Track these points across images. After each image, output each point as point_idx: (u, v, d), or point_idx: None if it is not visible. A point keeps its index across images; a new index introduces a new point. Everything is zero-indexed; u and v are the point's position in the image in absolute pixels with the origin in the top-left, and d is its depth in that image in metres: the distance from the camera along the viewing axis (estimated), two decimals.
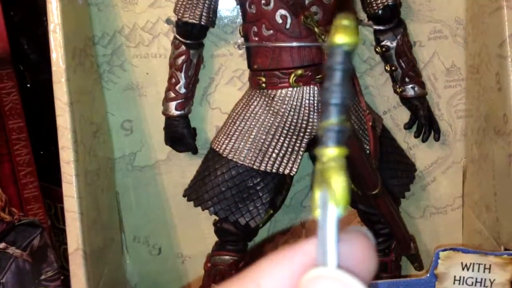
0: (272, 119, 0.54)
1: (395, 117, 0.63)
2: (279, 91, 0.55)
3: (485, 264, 0.50)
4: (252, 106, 0.56)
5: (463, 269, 0.51)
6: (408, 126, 0.62)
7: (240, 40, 0.59)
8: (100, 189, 0.60)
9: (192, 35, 0.58)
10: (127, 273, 0.66)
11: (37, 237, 0.73)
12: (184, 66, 0.59)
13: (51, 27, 0.52)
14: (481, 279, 0.50)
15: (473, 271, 0.50)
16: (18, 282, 0.70)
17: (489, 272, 0.50)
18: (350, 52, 0.17)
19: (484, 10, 0.56)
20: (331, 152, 0.17)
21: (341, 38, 0.17)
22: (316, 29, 0.53)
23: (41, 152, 0.76)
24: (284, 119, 0.54)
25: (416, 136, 0.62)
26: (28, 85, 0.78)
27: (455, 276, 0.51)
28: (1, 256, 0.70)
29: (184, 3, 0.56)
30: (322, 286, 0.17)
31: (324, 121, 0.17)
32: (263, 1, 0.53)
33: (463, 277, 0.50)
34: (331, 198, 0.17)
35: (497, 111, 0.54)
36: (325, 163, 0.17)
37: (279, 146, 0.54)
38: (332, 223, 0.17)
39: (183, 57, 0.58)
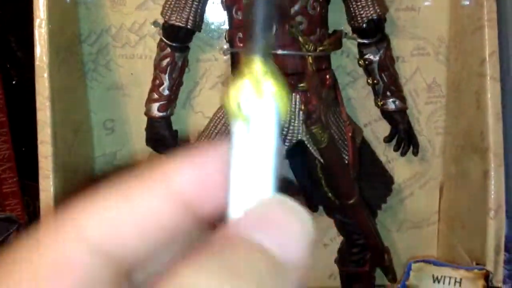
0: None
1: (376, 130, 0.64)
2: None
3: (456, 278, 0.51)
4: None
5: (434, 281, 0.51)
6: (388, 140, 0.63)
7: (225, 45, 0.59)
8: (79, 187, 0.60)
9: (178, 38, 0.58)
10: None
11: (14, 232, 0.72)
12: (168, 68, 0.59)
13: (36, 22, 0.53)
14: None
15: (444, 284, 0.51)
16: None
17: (460, 285, 0.50)
18: None
19: (465, 29, 0.58)
20: (261, 65, 0.16)
21: None
22: (300, 39, 0.54)
23: (23, 149, 0.76)
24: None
25: (395, 150, 0.63)
26: (14, 82, 0.78)
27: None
28: None
29: (172, 6, 0.57)
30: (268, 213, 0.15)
31: (254, 36, 0.16)
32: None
33: None
34: (275, 102, 0.16)
35: (475, 128, 0.55)
36: (258, 72, 0.16)
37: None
38: (270, 136, 0.16)
39: (168, 59, 0.59)
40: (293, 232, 0.15)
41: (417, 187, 0.66)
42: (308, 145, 0.54)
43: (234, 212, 0.16)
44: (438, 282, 0.51)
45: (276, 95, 0.16)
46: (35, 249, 0.15)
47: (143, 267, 0.16)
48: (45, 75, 0.52)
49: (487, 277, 0.50)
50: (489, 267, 0.51)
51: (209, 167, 0.16)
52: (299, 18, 0.54)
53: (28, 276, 0.14)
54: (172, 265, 0.14)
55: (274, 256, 0.14)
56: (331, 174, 0.55)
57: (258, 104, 0.16)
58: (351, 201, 0.56)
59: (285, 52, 0.55)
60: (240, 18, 0.55)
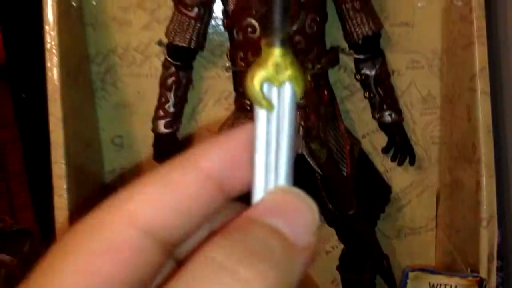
0: None
1: (373, 141, 0.66)
2: None
3: (451, 285, 0.53)
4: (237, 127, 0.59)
5: None
6: (385, 150, 0.65)
7: (228, 63, 0.62)
8: (89, 203, 0.62)
9: (181, 57, 0.61)
10: None
11: (27, 244, 0.75)
12: (173, 86, 0.61)
13: (47, 46, 0.55)
14: None
15: None
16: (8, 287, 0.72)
17: None
18: None
19: (457, 44, 0.60)
20: (280, 54, 0.18)
21: None
22: (299, 57, 0.56)
23: (34, 163, 0.79)
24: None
25: (392, 160, 0.65)
26: (23, 96, 0.81)
27: None
28: None
29: (175, 27, 0.59)
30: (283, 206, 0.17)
31: (273, 28, 0.17)
32: (249, 29, 0.57)
33: None
34: (296, 87, 0.17)
35: (467, 140, 0.58)
36: (277, 59, 0.17)
37: None
38: (290, 113, 0.17)
39: (173, 78, 0.61)
40: (303, 219, 0.17)
41: (414, 196, 0.68)
42: (308, 159, 0.57)
43: (256, 197, 0.18)
44: None
45: (295, 81, 0.18)
46: (93, 231, 0.17)
47: (183, 243, 0.18)
48: (57, 97, 0.55)
49: (481, 284, 0.53)
50: (483, 274, 0.54)
51: (235, 150, 0.18)
52: (297, 38, 0.57)
53: (88, 255, 0.16)
54: (203, 242, 0.16)
55: (287, 238, 0.16)
56: (330, 187, 0.58)
57: (279, 91, 0.18)
58: (351, 212, 0.58)
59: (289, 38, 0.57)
60: (241, 38, 0.58)
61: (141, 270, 0.17)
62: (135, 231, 0.17)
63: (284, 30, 0.17)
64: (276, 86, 0.18)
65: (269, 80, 0.17)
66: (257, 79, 0.17)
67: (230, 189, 0.18)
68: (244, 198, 0.18)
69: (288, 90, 0.18)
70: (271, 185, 0.18)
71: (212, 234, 0.17)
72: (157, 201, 0.17)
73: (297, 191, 0.18)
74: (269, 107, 0.18)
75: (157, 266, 0.17)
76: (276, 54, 0.17)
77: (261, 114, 0.18)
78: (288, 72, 0.17)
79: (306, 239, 0.17)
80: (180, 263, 0.19)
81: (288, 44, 0.17)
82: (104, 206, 0.17)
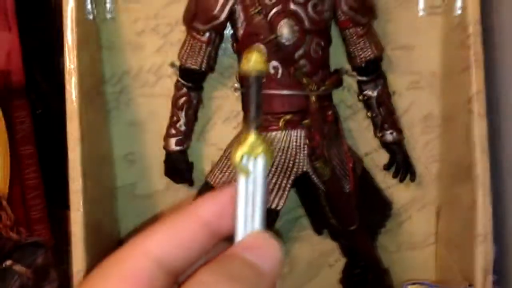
0: None
1: (376, 159, 0.69)
2: (269, 133, 0.60)
3: None
4: None
5: None
6: (387, 168, 0.68)
7: (236, 84, 0.65)
8: (103, 215, 0.65)
9: (193, 79, 0.64)
10: None
11: (41, 256, 0.78)
12: (184, 106, 0.65)
13: (66, 69, 0.59)
14: None
15: None
16: None
17: None
18: (259, 76, 0.24)
19: (455, 68, 0.63)
20: (254, 136, 0.24)
21: (252, 66, 0.24)
22: (304, 80, 0.59)
23: (48, 177, 0.81)
24: (273, 159, 0.60)
25: (394, 177, 0.68)
26: (39, 111, 0.84)
27: None
28: (7, 272, 0.75)
29: (187, 50, 0.63)
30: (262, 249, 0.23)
31: (250, 118, 0.24)
32: None
33: None
34: (266, 159, 0.24)
35: (464, 159, 0.60)
36: (253, 140, 0.24)
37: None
38: (262, 183, 0.24)
39: (184, 98, 0.64)
40: (269, 254, 0.23)
41: (415, 211, 0.71)
42: (312, 177, 0.60)
43: (238, 238, 0.24)
44: None
45: (266, 154, 0.24)
46: (120, 262, 0.22)
47: (185, 272, 0.24)
48: (76, 117, 0.58)
49: None
50: None
51: (224, 203, 0.24)
52: (302, 62, 0.60)
53: (116, 280, 0.22)
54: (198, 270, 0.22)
55: (257, 266, 0.22)
56: (333, 203, 0.61)
57: (254, 161, 0.24)
58: (352, 228, 0.61)
59: (290, 92, 0.60)
60: None
61: None
62: (151, 262, 0.22)
63: (257, 120, 0.24)
64: (253, 158, 0.24)
65: (247, 154, 0.24)
66: (238, 154, 0.24)
67: (220, 232, 0.24)
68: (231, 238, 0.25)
69: (261, 161, 0.24)
70: (249, 229, 0.24)
71: (205, 264, 0.23)
72: (167, 242, 0.23)
73: (266, 234, 0.24)
74: (246, 173, 0.24)
75: None
76: (251, 137, 0.24)
77: (241, 178, 0.24)
78: (260, 149, 0.24)
79: (271, 267, 0.23)
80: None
81: (260, 128, 0.24)
82: (128, 244, 0.23)
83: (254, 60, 0.24)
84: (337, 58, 0.65)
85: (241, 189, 0.24)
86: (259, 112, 0.24)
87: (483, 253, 0.56)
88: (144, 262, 0.22)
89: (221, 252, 0.23)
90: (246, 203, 0.24)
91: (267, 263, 0.23)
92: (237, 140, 0.25)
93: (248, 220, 0.24)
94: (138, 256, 0.22)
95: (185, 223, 0.24)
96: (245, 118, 0.25)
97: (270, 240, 0.24)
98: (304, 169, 0.60)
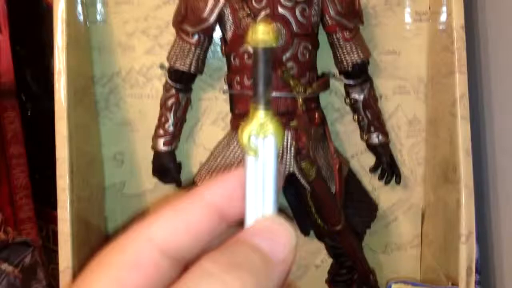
0: None
1: (362, 161, 0.70)
2: None
3: None
4: (232, 146, 0.63)
5: None
6: (373, 170, 0.69)
7: (225, 86, 0.66)
8: (91, 213, 0.66)
9: (181, 80, 0.65)
10: None
11: (29, 255, 0.78)
12: (173, 107, 0.65)
13: (56, 69, 0.59)
14: None
15: None
16: None
17: None
18: (268, 48, 0.22)
19: (440, 72, 0.64)
20: (263, 114, 0.22)
21: (260, 37, 0.22)
22: (291, 82, 0.60)
23: (36, 176, 0.82)
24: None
25: (379, 179, 0.69)
26: (29, 113, 0.84)
27: None
28: None
29: (176, 52, 0.63)
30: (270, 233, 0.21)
31: (258, 95, 0.23)
32: (245, 56, 0.61)
33: None
34: (276, 139, 0.22)
35: (449, 161, 0.61)
36: (261, 119, 0.22)
37: None
38: (271, 163, 0.22)
39: (173, 99, 0.65)
40: (281, 240, 0.21)
41: (400, 213, 0.72)
42: (299, 177, 0.60)
43: (247, 223, 0.22)
44: None
45: (276, 134, 0.22)
46: (122, 250, 0.21)
47: (192, 258, 0.22)
48: (64, 116, 0.58)
49: None
50: (462, 287, 0.57)
51: (233, 187, 0.23)
52: (290, 64, 0.61)
53: (118, 268, 0.20)
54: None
55: (266, 253, 0.20)
56: (319, 203, 0.62)
57: (263, 141, 0.22)
58: (338, 228, 0.62)
59: (277, 94, 0.61)
60: (238, 64, 0.62)
61: (159, 283, 0.21)
62: (155, 250, 0.21)
63: (266, 97, 0.22)
64: (262, 138, 0.22)
65: (255, 134, 0.22)
66: (246, 133, 0.22)
67: (229, 217, 0.22)
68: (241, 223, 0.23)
69: (270, 141, 0.22)
70: (260, 214, 0.22)
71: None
72: (172, 228, 0.21)
73: (278, 218, 0.22)
74: (255, 154, 0.22)
75: (171, 279, 0.21)
76: (260, 115, 0.22)
77: (249, 159, 0.22)
78: (270, 128, 0.22)
79: (283, 255, 0.21)
80: None
81: (270, 105, 0.23)
82: (131, 230, 0.21)
83: (261, 31, 0.22)
84: (325, 62, 0.66)
85: (250, 171, 0.22)
86: (268, 88, 0.22)
87: (466, 252, 0.57)
88: (148, 249, 0.21)
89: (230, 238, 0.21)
90: (256, 185, 0.22)
91: (279, 250, 0.21)
92: (246, 119, 0.23)
93: (258, 203, 0.22)
94: (142, 242, 0.21)
95: (191, 207, 0.22)
96: (253, 96, 0.23)
97: (283, 225, 0.22)
98: (291, 170, 0.61)
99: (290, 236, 0.21)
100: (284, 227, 0.21)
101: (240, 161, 0.62)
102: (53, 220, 0.79)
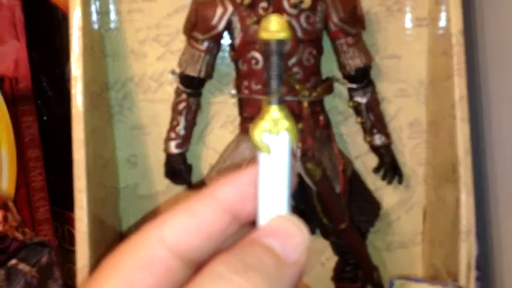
0: None
1: (365, 162, 0.73)
2: None
3: None
4: (241, 148, 0.66)
5: None
6: (375, 171, 0.71)
7: (233, 91, 0.68)
8: (106, 214, 0.69)
9: (192, 85, 0.68)
10: None
11: (45, 255, 0.81)
12: (184, 111, 0.68)
13: (72, 75, 0.62)
14: None
15: None
16: None
17: None
18: (281, 43, 0.22)
19: (440, 75, 0.67)
20: (277, 110, 0.22)
21: (272, 32, 0.22)
22: (297, 86, 0.63)
23: (52, 179, 0.85)
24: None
25: (382, 179, 0.71)
26: (45, 118, 0.87)
27: None
28: (12, 271, 0.77)
29: (187, 58, 0.66)
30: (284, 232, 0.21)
31: (271, 90, 0.22)
32: (253, 61, 0.63)
33: None
34: (290, 136, 0.22)
35: (449, 161, 0.64)
36: (275, 115, 0.22)
37: None
38: (285, 157, 0.21)
39: (184, 103, 0.68)
40: (294, 240, 0.21)
41: (403, 212, 0.74)
42: (304, 178, 0.63)
43: (260, 223, 0.22)
44: None
45: (289, 131, 0.22)
46: (133, 250, 0.21)
47: (204, 259, 0.22)
48: (81, 120, 0.61)
49: None
50: (462, 283, 0.59)
51: (245, 186, 0.22)
52: (295, 69, 0.63)
53: (130, 269, 0.20)
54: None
55: (279, 254, 0.20)
56: (324, 203, 0.64)
57: (276, 138, 0.22)
58: (343, 226, 0.64)
59: (284, 98, 0.63)
60: (246, 69, 0.64)
61: (170, 284, 0.20)
62: (166, 251, 0.20)
63: (279, 92, 0.22)
64: (275, 135, 0.22)
65: (268, 130, 0.22)
66: (258, 130, 0.22)
67: (241, 217, 0.22)
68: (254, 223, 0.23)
69: (284, 138, 0.22)
70: (273, 213, 0.22)
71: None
72: (183, 228, 0.21)
73: (292, 218, 0.22)
74: (268, 151, 0.22)
75: (182, 280, 0.21)
76: (273, 111, 0.22)
77: (262, 157, 0.22)
78: (283, 124, 0.22)
79: (296, 256, 0.21)
80: None
81: (283, 102, 0.22)
82: (141, 231, 0.21)
83: (274, 26, 0.22)
84: (329, 66, 0.69)
85: (263, 169, 0.22)
86: (281, 84, 0.22)
87: (466, 249, 0.59)
88: (160, 250, 0.20)
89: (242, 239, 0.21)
90: (269, 184, 0.22)
91: (292, 250, 0.20)
92: (259, 116, 0.22)
93: (271, 203, 0.22)
94: (153, 243, 0.20)
95: (202, 207, 0.21)
96: (266, 91, 0.23)
97: (296, 225, 0.21)
98: (297, 171, 0.64)
99: (304, 236, 0.21)
100: (298, 227, 0.21)
101: (248, 162, 0.65)
102: (69, 221, 0.82)
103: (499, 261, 0.66)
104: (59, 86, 0.82)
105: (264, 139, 0.22)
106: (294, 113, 0.63)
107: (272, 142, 0.22)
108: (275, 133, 0.22)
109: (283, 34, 0.22)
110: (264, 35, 0.22)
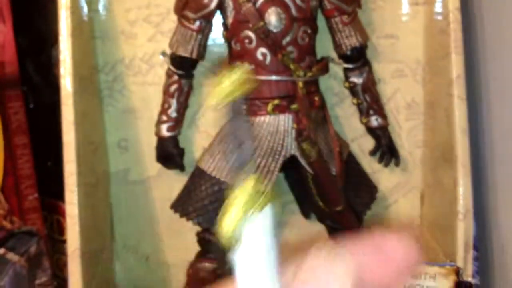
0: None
1: (361, 145, 0.71)
2: (258, 118, 0.62)
3: (430, 273, 0.58)
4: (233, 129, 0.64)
5: (412, 277, 0.58)
6: (372, 153, 0.70)
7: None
8: (97, 199, 0.67)
9: (183, 67, 0.66)
10: (116, 278, 0.73)
11: (34, 245, 0.79)
12: (176, 93, 0.66)
13: (61, 57, 0.60)
14: (427, 286, 0.58)
15: (420, 279, 0.58)
16: (15, 286, 0.76)
17: (434, 280, 0.58)
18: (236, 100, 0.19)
19: (437, 54, 0.65)
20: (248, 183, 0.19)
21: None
22: (291, 66, 0.62)
23: (41, 167, 0.83)
24: (261, 143, 0.62)
25: (379, 162, 0.70)
26: (31, 106, 0.85)
27: (405, 284, 0.58)
28: (0, 260, 0.76)
29: (178, 39, 0.65)
30: None
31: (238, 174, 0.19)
32: (246, 40, 0.62)
33: (412, 284, 0.58)
34: (268, 214, 0.18)
35: (446, 142, 0.63)
36: (248, 190, 0.19)
37: (256, 166, 0.62)
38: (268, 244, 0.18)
39: (175, 85, 0.66)
40: None
41: (400, 195, 0.73)
42: (300, 159, 0.62)
43: None
44: (416, 277, 0.58)
45: (267, 208, 0.18)
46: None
47: None
48: (70, 102, 0.60)
49: (458, 272, 0.57)
50: (460, 263, 0.58)
51: None
52: (290, 48, 0.62)
53: None
54: None
55: None
56: (320, 185, 0.63)
57: (251, 226, 0.18)
58: (339, 208, 0.63)
59: (278, 77, 0.62)
60: (239, 48, 0.63)
61: None
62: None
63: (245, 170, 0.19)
64: (249, 219, 0.18)
65: (240, 216, 0.18)
66: (227, 227, 0.18)
67: None
68: None
69: (261, 221, 0.18)
70: None
71: None
72: None
73: None
74: (237, 242, 0.18)
75: None
76: (243, 195, 0.18)
77: (238, 252, 0.18)
78: (262, 200, 0.18)
79: None
80: None
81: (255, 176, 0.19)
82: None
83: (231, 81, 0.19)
84: (324, 47, 0.67)
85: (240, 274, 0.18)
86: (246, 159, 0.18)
87: (464, 230, 0.58)
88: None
89: None
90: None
91: None
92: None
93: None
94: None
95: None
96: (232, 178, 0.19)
97: None
98: (292, 152, 0.62)
99: None
100: None
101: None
102: (58, 211, 0.80)
103: (497, 241, 0.65)
104: (46, 73, 0.80)
105: (236, 232, 0.18)
106: (289, 93, 0.62)
107: (248, 232, 0.18)
108: (251, 217, 0.18)
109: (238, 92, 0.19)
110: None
